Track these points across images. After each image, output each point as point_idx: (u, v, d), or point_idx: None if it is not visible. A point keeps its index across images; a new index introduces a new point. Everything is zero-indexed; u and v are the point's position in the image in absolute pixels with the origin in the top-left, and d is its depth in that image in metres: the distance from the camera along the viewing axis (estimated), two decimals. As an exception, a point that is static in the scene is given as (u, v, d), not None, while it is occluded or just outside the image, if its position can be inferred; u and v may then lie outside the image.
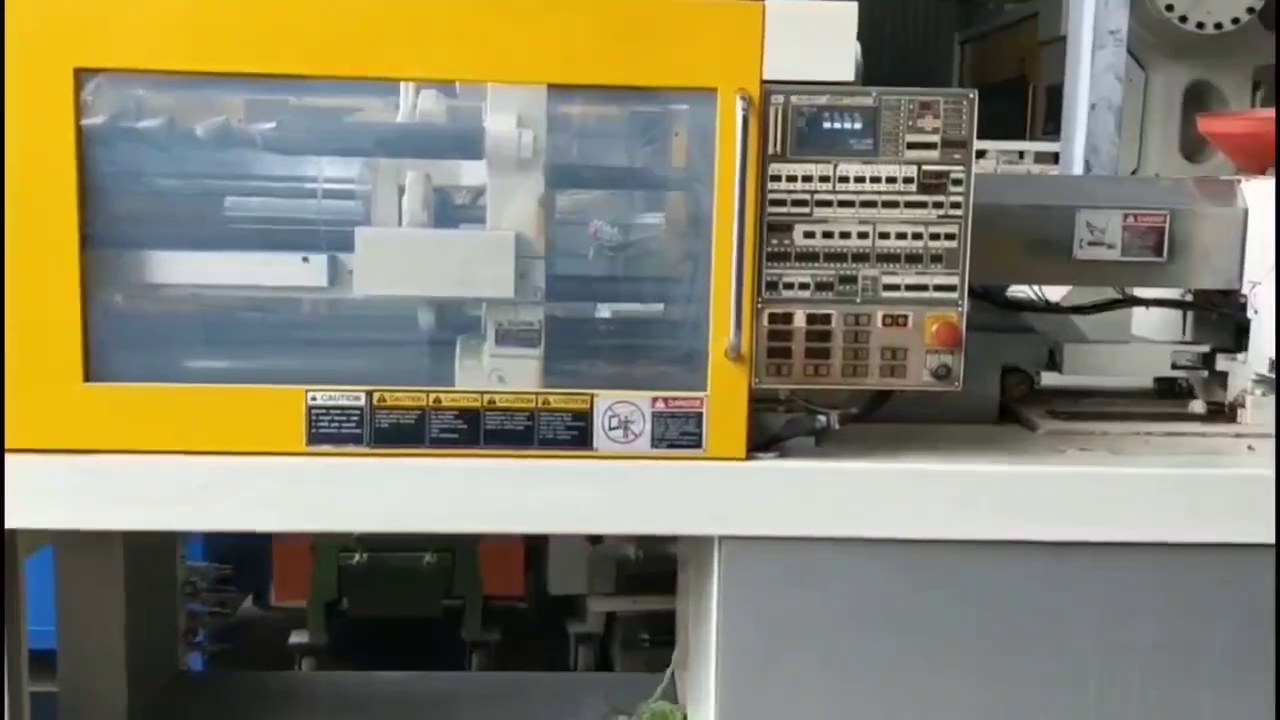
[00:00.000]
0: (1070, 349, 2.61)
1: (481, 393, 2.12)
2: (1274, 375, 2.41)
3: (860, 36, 2.13)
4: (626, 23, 2.08)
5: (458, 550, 3.59)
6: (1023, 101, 7.78)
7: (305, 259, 2.16)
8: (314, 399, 2.08)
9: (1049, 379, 2.68)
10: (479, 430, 2.11)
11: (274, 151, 2.30)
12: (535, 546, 3.72)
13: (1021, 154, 5.76)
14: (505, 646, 3.74)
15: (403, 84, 2.19)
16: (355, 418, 2.09)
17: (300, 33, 2.04)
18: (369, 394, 2.09)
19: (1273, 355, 2.40)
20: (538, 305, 2.17)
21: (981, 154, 6.09)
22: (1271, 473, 2.21)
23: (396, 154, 2.22)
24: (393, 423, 2.10)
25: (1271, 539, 2.14)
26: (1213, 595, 2.19)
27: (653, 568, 3.47)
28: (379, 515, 2.12)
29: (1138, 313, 2.87)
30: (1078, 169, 4.37)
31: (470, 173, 2.26)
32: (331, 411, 2.08)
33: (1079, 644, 2.21)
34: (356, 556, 3.56)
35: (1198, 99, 6.01)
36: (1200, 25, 6.02)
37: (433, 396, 2.11)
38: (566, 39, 2.07)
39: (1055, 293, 2.96)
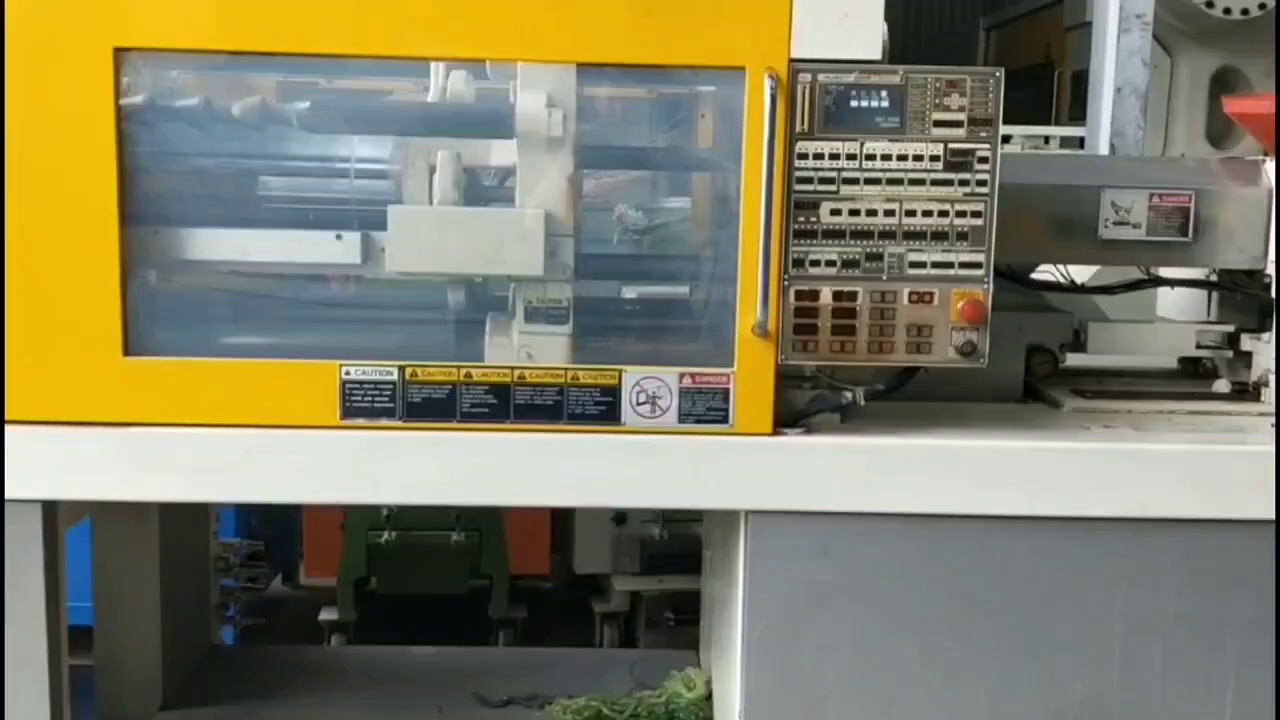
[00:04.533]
0: (1095, 328, 2.62)
1: (512, 368, 2.15)
2: (1296, 354, 2.41)
3: (886, 22, 2.14)
4: (654, 2, 2.10)
5: (485, 529, 3.63)
6: (1048, 87, 7.75)
7: (339, 236, 2.19)
8: (348, 373, 2.12)
9: (1074, 359, 2.69)
10: (509, 405, 2.14)
11: (308, 131, 2.34)
12: (561, 526, 3.76)
13: (1047, 139, 5.75)
14: (531, 625, 3.78)
15: (433, 64, 2.22)
16: (388, 392, 2.12)
17: (333, 13, 2.07)
18: (401, 369, 2.12)
19: (1299, 334, 2.41)
20: (566, 283, 2.20)
21: (1007, 139, 6.07)
22: (1296, 450, 2.23)
23: (428, 134, 2.26)
24: (425, 397, 2.14)
25: None
26: (1235, 570, 2.21)
27: (676, 548, 3.50)
28: (411, 487, 2.16)
29: (1162, 293, 2.88)
30: (1103, 153, 4.37)
31: (500, 152, 2.29)
32: (365, 386, 2.12)
33: (1103, 617, 2.23)
34: (385, 535, 3.59)
35: (1224, 85, 5.98)
36: (1227, 11, 6.00)
37: (464, 371, 2.14)
38: (595, 18, 2.10)
39: (1080, 274, 2.97)
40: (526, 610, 3.77)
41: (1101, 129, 4.36)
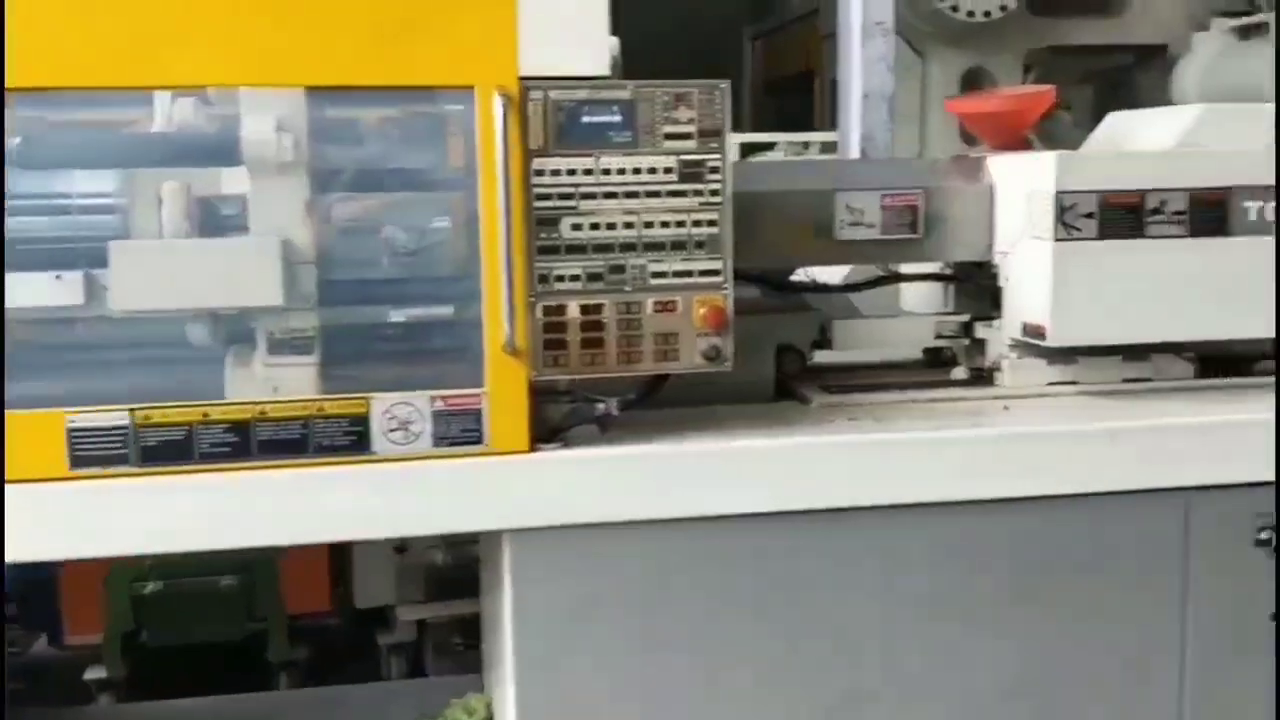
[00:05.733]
0: (840, 325, 2.72)
1: (253, 404, 2.09)
2: (1026, 339, 2.55)
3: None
4: (381, 23, 2.08)
5: (257, 570, 3.50)
6: (811, 95, 8.03)
7: (58, 277, 2.08)
8: (73, 421, 2.01)
9: (827, 356, 2.79)
10: (251, 442, 2.07)
11: (24, 168, 2.21)
12: (340, 560, 3.66)
13: (807, 145, 5.94)
14: (315, 664, 3.66)
15: (157, 93, 2.13)
16: (119, 438, 2.03)
17: (46, 44, 1.97)
18: (131, 412, 2.03)
19: (1024, 320, 2.54)
20: (310, 311, 2.15)
21: (771, 146, 6.27)
22: (1027, 429, 2.36)
23: (155, 164, 2.17)
24: (161, 440, 2.05)
25: (1018, 492, 2.29)
26: (978, 548, 2.32)
27: (462, 572, 3.45)
28: (149, 536, 2.06)
29: (906, 287, 3.01)
30: (854, 157, 4.54)
31: (232, 180, 2.22)
32: (93, 433, 2.02)
33: (859, 605, 2.31)
34: (150, 585, 3.43)
35: (974, 84, 6.32)
36: (970, 14, 6.36)
37: (201, 411, 2.06)
38: (323, 40, 2.06)
39: (839, 273, 3.08)
40: (309, 650, 3.66)
41: (852, 134, 4.53)
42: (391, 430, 2.13)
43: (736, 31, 9.33)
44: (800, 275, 3.05)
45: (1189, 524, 2.36)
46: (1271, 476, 2.37)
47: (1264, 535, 2.39)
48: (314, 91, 2.11)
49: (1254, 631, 2.42)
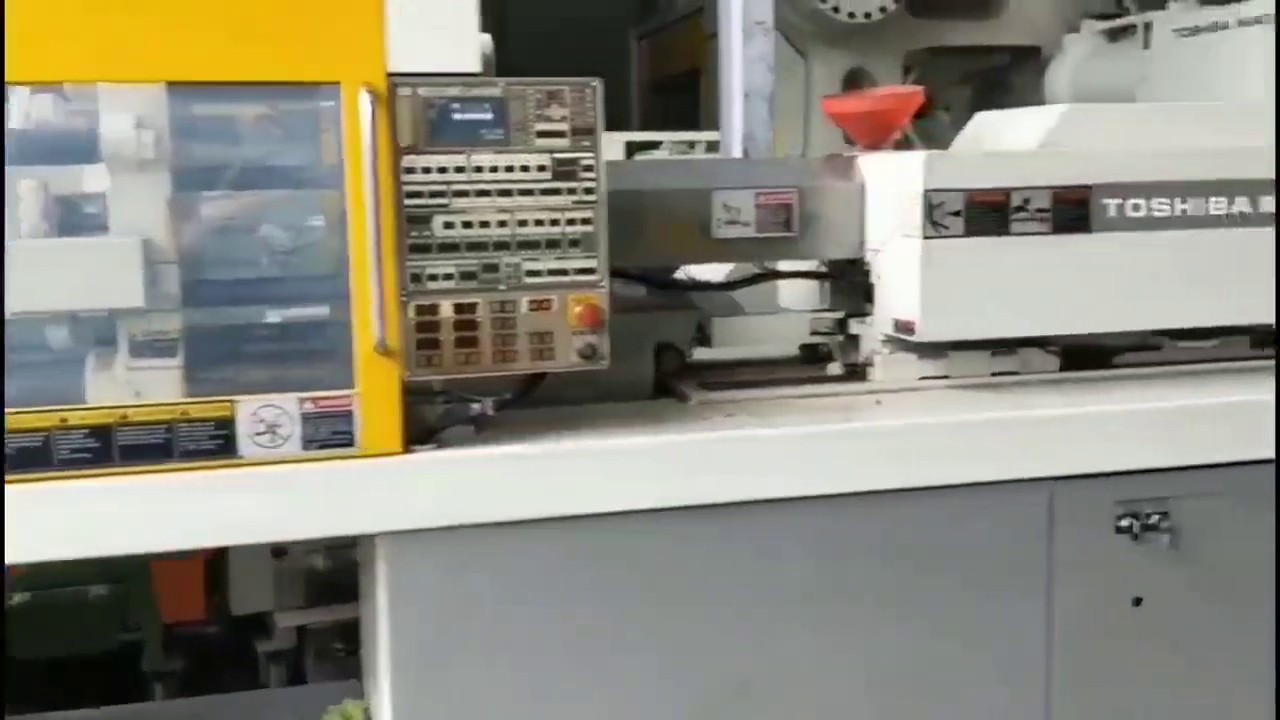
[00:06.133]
0: (719, 323, 2.75)
1: (114, 408, 2.03)
2: (898, 335, 2.60)
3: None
4: (244, 18, 2.03)
5: (130, 579, 3.41)
6: (697, 94, 8.07)
7: (-98, 282, 1.99)
8: (-80, 430, 1.93)
9: (707, 354, 2.81)
10: (112, 447, 2.01)
11: None
12: (216, 567, 3.58)
13: (692, 144, 5.98)
14: (192, 674, 3.58)
15: (14, 89, 2.06)
16: (-29, 445, 1.95)
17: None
18: (-16, 418, 1.96)
19: (895, 316, 2.59)
20: (173, 313, 2.10)
21: (657, 144, 6.30)
22: (897, 422, 2.41)
23: (12, 163, 2.09)
24: (17, 446, 1.98)
25: (889, 484, 2.33)
26: (852, 540, 2.36)
27: (342, 576, 3.40)
28: (9, 546, 1.98)
29: (785, 285, 3.05)
30: (736, 156, 4.57)
31: (93, 178, 2.15)
32: (-57, 441, 1.94)
33: (740, 600, 2.33)
34: (16, 597, 3.32)
35: (855, 84, 6.43)
36: (851, 15, 6.47)
37: (59, 416, 2.00)
38: (185, 35, 2.02)
39: (722, 272, 3.11)
40: (185, 660, 3.57)
41: (734, 133, 4.56)
42: (259, 434, 2.09)
43: (623, 31, 9.34)
44: (681, 274, 3.08)
45: (1053, 512, 2.43)
46: (1131, 465, 2.46)
47: (1124, 522, 2.47)
48: (175, 87, 2.06)
49: (1117, 616, 2.50)
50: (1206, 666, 2.56)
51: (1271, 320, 2.89)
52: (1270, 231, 2.62)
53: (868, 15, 6.40)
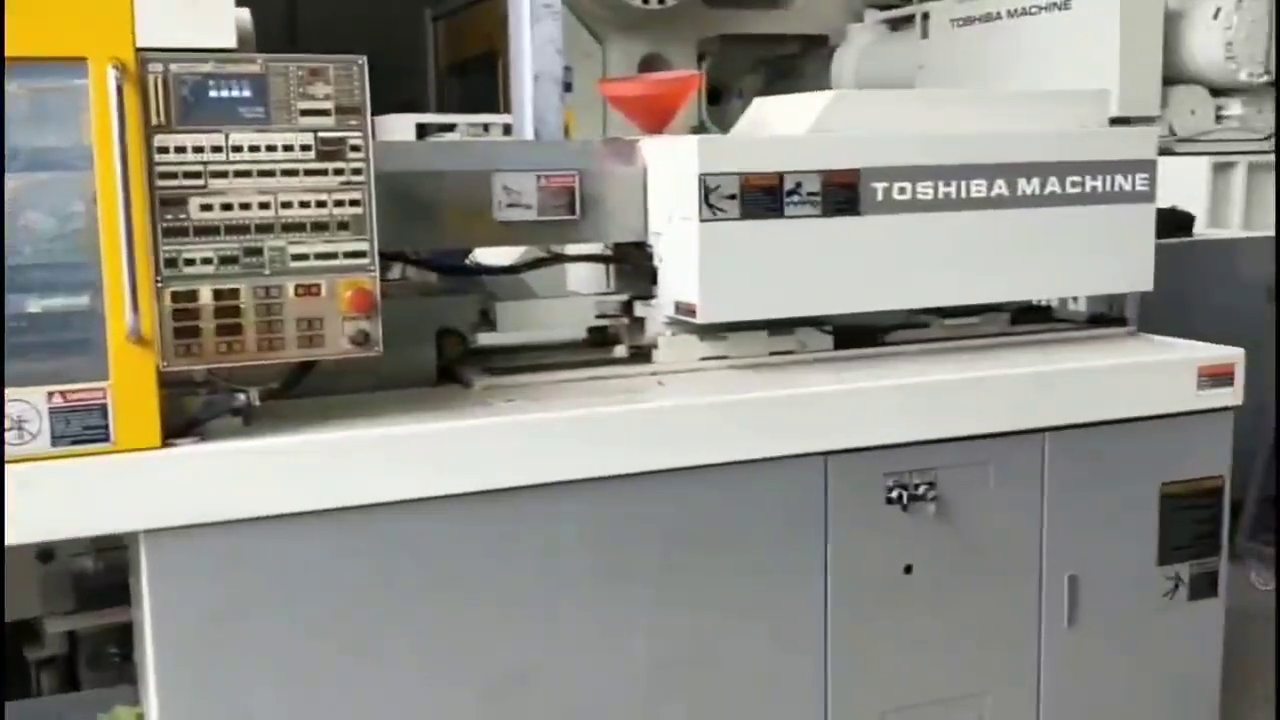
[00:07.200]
0: (502, 307, 2.72)
1: None
2: (679, 317, 2.63)
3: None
4: (-18, -12, 1.90)
5: (-122, 590, 3.17)
6: (494, 77, 8.00)
7: None
8: None
9: (493, 338, 2.78)
10: None
11: None
12: (-25, 573, 3.36)
13: (486, 127, 5.91)
14: (-48, 687, 3.36)
15: None
16: None
17: None
18: None
19: (676, 299, 2.62)
20: (-93, 305, 1.95)
21: (451, 127, 6.21)
22: (676, 402, 2.43)
23: None
24: None
25: (669, 464, 2.36)
26: (633, 521, 2.37)
27: (116, 578, 3.23)
28: None
29: (572, 268, 3.04)
30: (528, 139, 4.55)
31: None
32: None
33: (520, 585, 2.32)
34: None
35: (651, 69, 6.49)
36: (646, 2, 6.53)
37: None
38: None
39: (512, 256, 3.08)
40: (-56, 672, 3.35)
41: (525, 116, 4.52)
42: (6, 430, 1.96)
43: (419, 12, 9.18)
44: (471, 260, 3.04)
45: (828, 486, 2.50)
46: (900, 439, 2.55)
47: (894, 494, 2.56)
48: (-94, 62, 1.91)
49: (889, 584, 2.59)
50: (973, 630, 2.68)
51: (1030, 298, 3.06)
52: (1029, 212, 2.75)
53: (662, 2, 6.48)
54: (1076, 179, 2.80)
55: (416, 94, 8.30)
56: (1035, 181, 2.76)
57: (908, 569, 2.60)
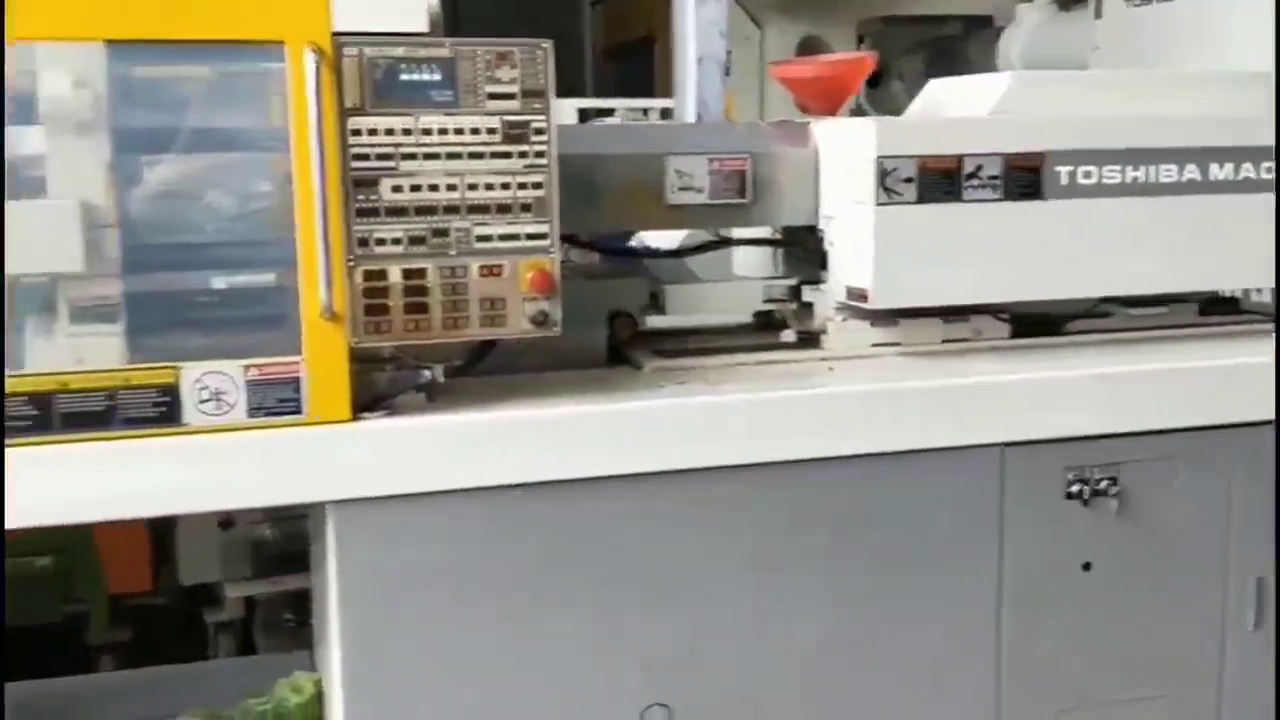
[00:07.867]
0: (672, 290, 2.73)
1: (53, 374, 1.98)
2: (850, 302, 2.60)
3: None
4: (188, -24, 1.98)
5: (75, 550, 3.36)
6: (651, 61, 8.02)
7: None
8: None
9: (661, 321, 2.79)
10: (52, 415, 1.97)
11: None
12: (162, 538, 3.53)
13: (645, 111, 5.94)
14: (139, 645, 3.54)
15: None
16: (-94, 413, 1.90)
17: None
18: (-82, 385, 1.91)
19: (848, 284, 2.59)
20: (114, 278, 2.05)
21: (611, 112, 6.26)
22: (848, 388, 2.41)
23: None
24: (-47, 415, 1.93)
25: (840, 451, 2.33)
26: (801, 507, 2.35)
27: (291, 546, 3.36)
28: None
29: (738, 252, 3.03)
30: (689, 122, 4.54)
31: (31, 140, 2.09)
32: (-124, 408, 1.89)
33: (685, 564, 2.32)
34: (-44, 569, 3.26)
35: (811, 53, 6.42)
36: (805, -18, 6.46)
37: (-3, 383, 1.95)
38: (123, -7, 1.95)
39: (677, 239, 3.09)
40: (132, 631, 3.53)
41: (688, 99, 4.52)
42: (204, 401, 2.05)
43: (578, -1, 9.26)
44: (635, 242, 3.05)
45: (1004, 478, 2.44)
46: (1081, 431, 2.47)
47: (1075, 488, 2.48)
48: (114, 46, 2.00)
49: (1066, 581, 2.52)
50: (1153, 631, 2.59)
51: (1219, 288, 2.93)
52: (1222, 199, 2.64)
53: (821, -16, 6.36)
54: (1270, 165, 2.68)
55: (575, 79, 8.39)
56: (1229, 166, 2.65)
57: (1086, 566, 2.53)
